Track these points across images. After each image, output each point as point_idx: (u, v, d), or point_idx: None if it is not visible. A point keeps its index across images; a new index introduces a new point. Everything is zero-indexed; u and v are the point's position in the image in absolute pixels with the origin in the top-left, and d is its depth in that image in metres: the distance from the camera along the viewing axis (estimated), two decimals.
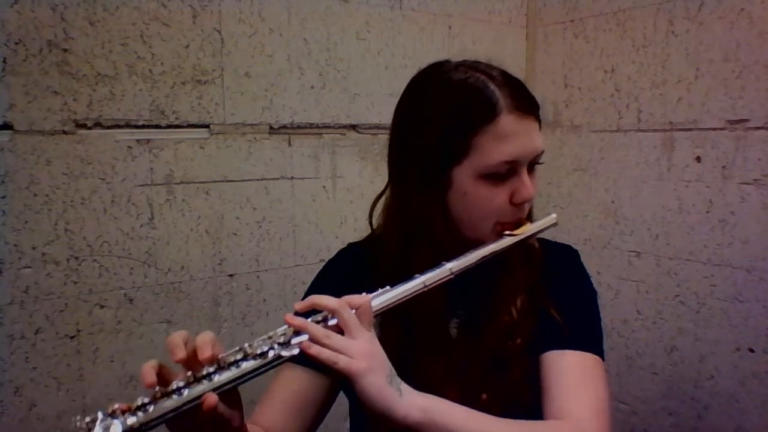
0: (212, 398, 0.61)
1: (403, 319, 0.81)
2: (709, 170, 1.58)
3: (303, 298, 0.95)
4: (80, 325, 1.27)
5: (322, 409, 0.89)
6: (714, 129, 1.56)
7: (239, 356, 0.65)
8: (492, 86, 0.79)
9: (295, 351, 0.66)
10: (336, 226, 1.62)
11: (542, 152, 0.82)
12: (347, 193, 1.63)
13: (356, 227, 0.95)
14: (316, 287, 0.97)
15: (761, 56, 1.46)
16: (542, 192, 1.99)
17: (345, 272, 0.95)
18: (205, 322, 1.44)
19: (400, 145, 0.86)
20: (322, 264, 1.01)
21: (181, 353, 0.62)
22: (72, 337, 1.26)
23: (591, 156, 1.86)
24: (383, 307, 0.72)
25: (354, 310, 0.70)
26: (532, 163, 0.82)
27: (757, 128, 1.48)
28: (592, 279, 0.93)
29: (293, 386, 0.86)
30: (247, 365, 0.64)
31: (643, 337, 1.76)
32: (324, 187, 1.60)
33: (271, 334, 0.67)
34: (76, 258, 1.26)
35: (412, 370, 0.84)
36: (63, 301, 1.25)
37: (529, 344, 0.84)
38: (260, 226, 1.51)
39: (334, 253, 1.01)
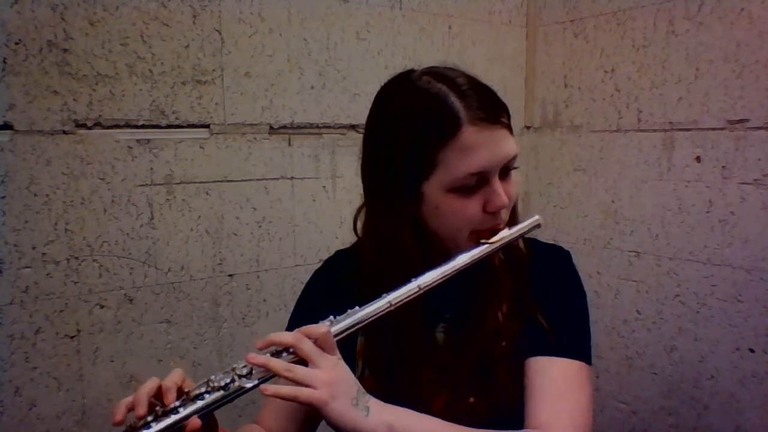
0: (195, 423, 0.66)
1: (388, 326, 0.81)
2: (709, 170, 1.58)
3: (294, 307, 0.97)
4: (80, 325, 1.27)
5: (314, 413, 0.89)
6: (714, 129, 1.56)
7: (203, 389, 0.69)
8: (452, 98, 0.77)
9: (256, 381, 0.69)
10: (336, 226, 1.62)
11: (515, 157, 0.80)
12: (347, 193, 1.63)
13: None
14: (304, 298, 0.98)
15: (761, 56, 1.46)
16: (542, 192, 1.99)
17: (331, 282, 0.96)
18: (205, 322, 1.44)
19: (369, 160, 0.86)
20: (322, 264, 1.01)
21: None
22: (72, 337, 1.26)
23: (591, 156, 1.86)
24: (346, 331, 0.74)
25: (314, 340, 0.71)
26: (506, 169, 0.81)
27: (757, 128, 1.48)
28: (583, 280, 0.92)
29: None
30: (210, 398, 0.68)
31: (643, 337, 1.76)
32: (324, 187, 1.60)
33: (234, 366, 0.70)
34: (76, 258, 1.26)
35: (400, 376, 0.85)
36: (63, 301, 1.25)
37: (516, 347, 0.84)
38: (260, 226, 1.51)
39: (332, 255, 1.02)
